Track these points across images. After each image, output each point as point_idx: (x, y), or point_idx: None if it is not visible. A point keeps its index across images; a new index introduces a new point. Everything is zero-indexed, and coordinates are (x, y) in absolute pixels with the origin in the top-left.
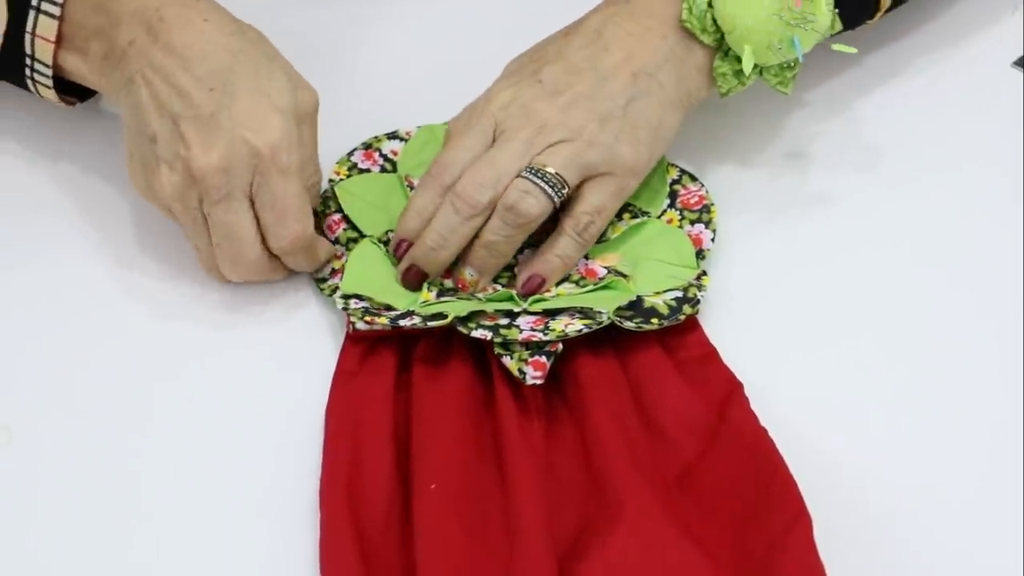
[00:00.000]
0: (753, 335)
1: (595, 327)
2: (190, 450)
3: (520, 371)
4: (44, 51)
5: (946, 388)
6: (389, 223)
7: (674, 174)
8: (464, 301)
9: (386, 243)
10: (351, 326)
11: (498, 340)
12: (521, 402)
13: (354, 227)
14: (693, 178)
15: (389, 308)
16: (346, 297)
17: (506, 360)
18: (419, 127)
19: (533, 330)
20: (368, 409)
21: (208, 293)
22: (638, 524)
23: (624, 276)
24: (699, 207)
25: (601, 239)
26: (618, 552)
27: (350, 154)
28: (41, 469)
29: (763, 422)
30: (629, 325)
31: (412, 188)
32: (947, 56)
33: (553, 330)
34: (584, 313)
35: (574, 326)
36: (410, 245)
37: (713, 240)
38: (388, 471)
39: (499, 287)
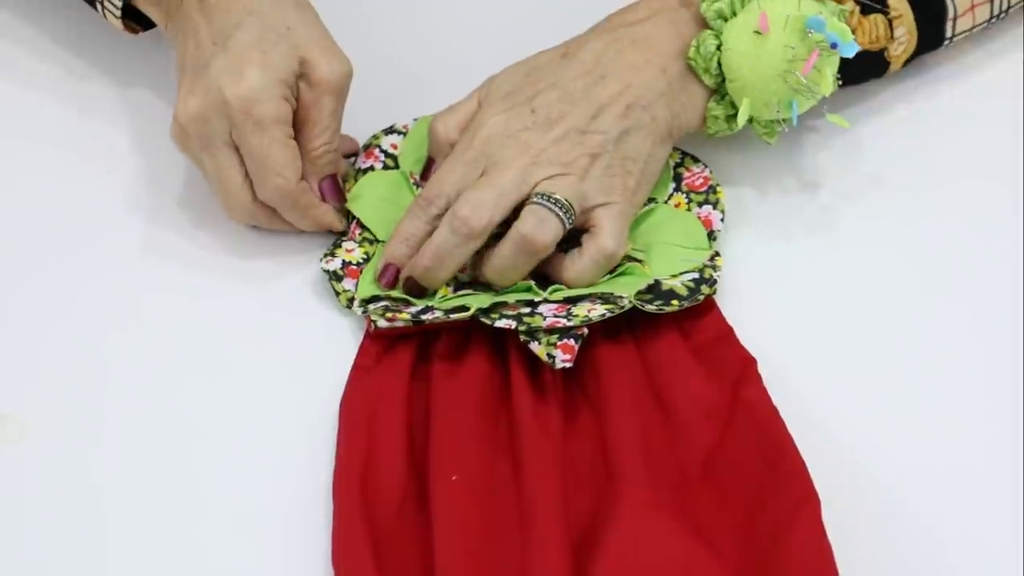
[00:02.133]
0: (767, 314)
1: (617, 311)
2: (205, 442)
3: (549, 355)
4: None
5: (959, 370)
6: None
7: (676, 158)
8: (484, 294)
9: None
10: (372, 325)
11: (522, 328)
12: (539, 393)
13: (367, 228)
14: (696, 160)
15: (408, 304)
16: (365, 302)
17: (534, 346)
18: (415, 120)
19: (556, 316)
20: (383, 403)
21: (228, 285)
22: (639, 516)
23: (639, 262)
24: (705, 188)
25: None
26: (621, 544)
27: (353, 163)
28: (55, 464)
29: (776, 399)
30: (650, 308)
31: (417, 185)
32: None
33: (576, 315)
34: (605, 298)
35: (597, 311)
36: (397, 271)
37: (722, 220)
38: (402, 463)
39: None
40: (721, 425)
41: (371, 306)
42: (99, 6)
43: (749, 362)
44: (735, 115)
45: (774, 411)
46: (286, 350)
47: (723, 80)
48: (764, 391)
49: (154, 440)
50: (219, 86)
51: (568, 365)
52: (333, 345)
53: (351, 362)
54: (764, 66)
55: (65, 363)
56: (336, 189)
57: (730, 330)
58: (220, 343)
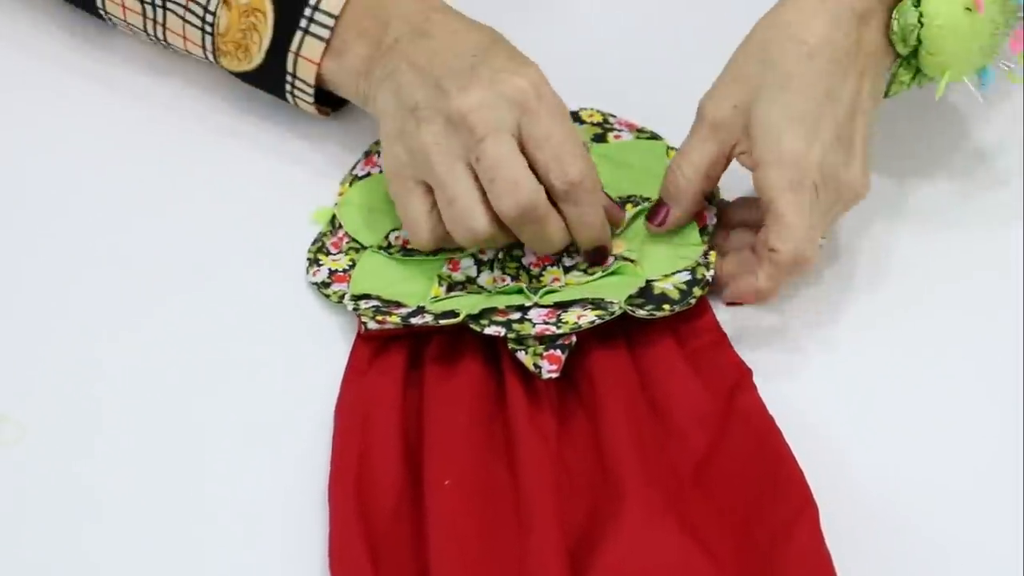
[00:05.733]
0: (761, 316)
1: (608, 318)
2: (199, 449)
3: (536, 365)
4: (307, 71)
5: (958, 377)
6: (392, 223)
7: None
8: (474, 296)
9: (387, 247)
10: (363, 327)
11: (511, 336)
12: (533, 397)
13: (354, 238)
14: None
15: (399, 305)
16: (355, 298)
17: (521, 355)
18: None
19: (546, 323)
20: (377, 406)
21: (222, 289)
22: (638, 522)
23: (631, 261)
24: None
25: None
26: (619, 550)
27: (352, 169)
28: (54, 465)
29: (771, 406)
30: (641, 313)
31: None
32: None
33: (566, 323)
34: (596, 304)
35: (587, 317)
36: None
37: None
38: (396, 467)
39: (508, 279)
40: (716, 433)
41: (362, 304)
42: (290, 97)
43: (744, 372)
44: (916, 76)
45: (770, 419)
46: (279, 353)
47: (914, 51)
48: (759, 399)
49: (151, 443)
50: (503, 76)
51: (555, 376)
52: (326, 348)
53: (344, 364)
54: (971, 42)
55: (64, 365)
56: None
57: (724, 336)
58: (215, 347)
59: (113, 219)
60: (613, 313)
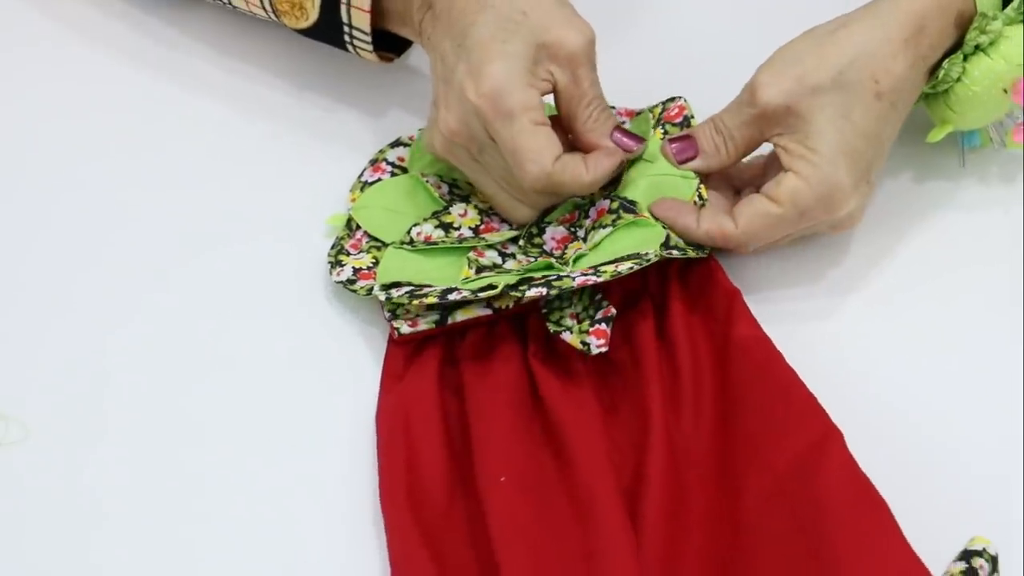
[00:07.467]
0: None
1: (644, 264)
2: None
3: (583, 343)
4: (361, 19)
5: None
6: (412, 220)
7: (657, 112)
8: (507, 274)
9: (409, 243)
10: (395, 332)
11: (553, 292)
12: (571, 381)
13: (374, 238)
14: (674, 99)
15: (432, 286)
16: (385, 288)
17: (566, 336)
18: (420, 130)
19: (584, 275)
20: (417, 411)
21: (240, 301)
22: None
23: (633, 204)
24: (679, 119)
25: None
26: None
27: (359, 176)
28: (60, 466)
29: (773, 336)
30: (676, 253)
31: (430, 183)
32: None
33: (605, 271)
34: (630, 256)
35: (625, 264)
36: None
37: None
38: (444, 469)
39: (532, 259)
40: (719, 372)
41: (394, 292)
42: (350, 47)
43: (733, 294)
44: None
45: (769, 345)
46: (312, 359)
47: (940, 91)
48: (753, 325)
49: (158, 445)
50: (463, 93)
51: (604, 350)
52: (356, 356)
53: (377, 372)
54: (991, 116)
55: (71, 366)
56: (628, 135)
57: (714, 264)
58: (232, 356)
59: (126, 226)
60: (649, 260)
